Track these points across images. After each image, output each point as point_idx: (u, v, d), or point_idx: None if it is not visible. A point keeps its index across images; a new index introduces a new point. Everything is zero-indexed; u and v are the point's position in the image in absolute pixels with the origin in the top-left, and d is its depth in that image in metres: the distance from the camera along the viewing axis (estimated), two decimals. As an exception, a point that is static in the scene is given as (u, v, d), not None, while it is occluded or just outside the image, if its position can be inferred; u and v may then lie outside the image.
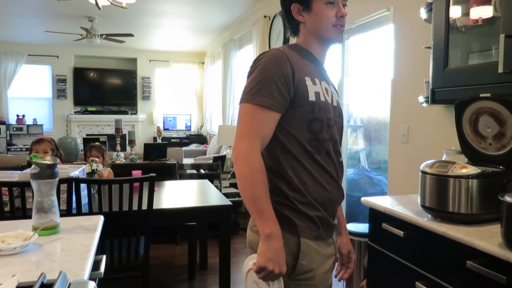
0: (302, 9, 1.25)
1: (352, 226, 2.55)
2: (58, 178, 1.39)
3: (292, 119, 1.19)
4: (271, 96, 1.14)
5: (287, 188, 1.20)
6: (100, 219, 1.56)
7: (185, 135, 8.78)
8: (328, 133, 1.23)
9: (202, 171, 4.31)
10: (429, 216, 1.52)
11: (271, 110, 1.15)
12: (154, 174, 2.32)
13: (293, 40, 1.36)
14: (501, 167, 1.47)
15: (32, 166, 1.34)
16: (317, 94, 1.21)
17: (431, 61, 1.87)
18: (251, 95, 1.15)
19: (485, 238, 1.25)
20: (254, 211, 1.13)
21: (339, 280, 1.46)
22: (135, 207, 2.28)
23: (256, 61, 1.22)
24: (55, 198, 1.38)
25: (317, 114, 1.20)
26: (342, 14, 1.24)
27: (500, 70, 1.45)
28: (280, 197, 1.20)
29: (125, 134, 5.66)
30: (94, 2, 4.38)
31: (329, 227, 1.28)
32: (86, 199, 2.29)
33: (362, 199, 1.86)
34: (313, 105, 1.19)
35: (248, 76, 1.22)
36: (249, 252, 1.28)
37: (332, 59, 3.56)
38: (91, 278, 1.11)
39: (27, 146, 7.38)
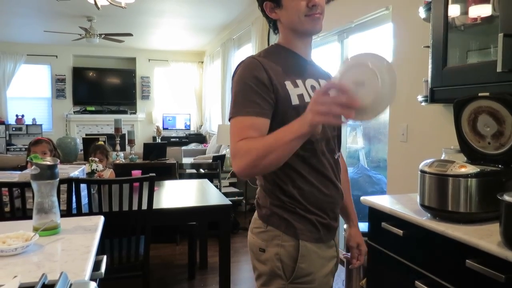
0: (274, 6, 1.22)
1: (351, 225, 2.55)
2: (58, 179, 1.39)
3: (279, 126, 1.13)
4: (255, 105, 1.11)
5: (283, 195, 1.19)
6: (100, 219, 1.56)
7: (184, 135, 8.78)
8: (319, 133, 1.18)
9: (201, 170, 4.31)
10: (428, 215, 1.52)
11: (259, 117, 1.11)
12: (153, 174, 2.32)
13: None
14: (500, 166, 1.48)
15: (33, 167, 1.34)
16: (300, 96, 1.16)
17: (430, 60, 1.87)
18: (236, 108, 1.13)
19: (484, 237, 1.25)
20: (287, 144, 1.01)
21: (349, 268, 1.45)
22: (135, 207, 2.29)
23: (234, 74, 1.20)
24: (55, 198, 1.38)
25: None
26: (314, 3, 1.17)
27: (499, 69, 1.45)
28: (278, 200, 1.20)
29: (125, 134, 5.66)
30: (93, 2, 4.38)
31: (330, 229, 1.26)
32: (86, 199, 2.30)
33: (362, 198, 1.87)
34: (297, 109, 1.14)
35: (231, 90, 1.20)
36: (250, 255, 1.26)
37: (331, 58, 3.56)
38: (92, 278, 1.11)
39: (26, 146, 7.34)
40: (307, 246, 1.18)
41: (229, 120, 1.15)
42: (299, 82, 1.19)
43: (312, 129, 0.97)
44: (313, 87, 1.22)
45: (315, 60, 1.33)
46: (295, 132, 0.99)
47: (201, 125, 8.90)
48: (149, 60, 8.82)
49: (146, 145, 4.64)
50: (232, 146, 1.09)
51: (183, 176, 4.22)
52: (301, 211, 1.19)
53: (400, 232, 1.58)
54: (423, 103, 2.17)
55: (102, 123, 8.48)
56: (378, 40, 3.24)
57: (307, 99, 1.17)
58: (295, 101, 1.16)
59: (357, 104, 0.90)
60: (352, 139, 4.31)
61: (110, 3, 4.44)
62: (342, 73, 0.97)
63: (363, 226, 2.45)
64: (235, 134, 1.10)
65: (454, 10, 1.82)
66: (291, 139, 1.00)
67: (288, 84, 1.17)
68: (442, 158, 1.66)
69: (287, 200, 1.19)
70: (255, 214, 1.28)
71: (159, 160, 4.45)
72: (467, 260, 1.25)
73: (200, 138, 8.54)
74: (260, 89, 1.12)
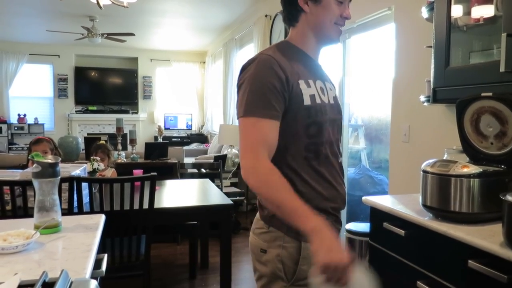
0: None
1: (353, 226, 2.55)
2: (59, 177, 1.39)
3: (288, 126, 1.14)
4: (269, 106, 1.09)
5: None
6: (102, 218, 1.56)
7: (186, 134, 8.79)
8: (325, 135, 1.18)
9: (203, 170, 4.31)
10: (430, 215, 1.52)
11: (271, 120, 1.09)
12: (155, 173, 2.32)
13: None
14: (502, 166, 1.47)
15: (34, 165, 1.34)
16: (312, 97, 1.15)
17: (432, 60, 1.86)
18: (248, 107, 1.09)
19: (487, 237, 1.25)
20: (286, 215, 1.05)
21: None
22: (136, 206, 2.29)
23: (245, 70, 1.15)
24: (56, 197, 1.38)
25: (314, 118, 1.15)
26: (347, 16, 1.20)
27: (502, 69, 1.45)
28: None
29: (126, 133, 5.67)
30: (95, 1, 4.38)
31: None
32: (88, 198, 2.30)
33: (363, 198, 1.86)
34: (309, 109, 1.14)
35: (239, 86, 1.15)
36: (251, 256, 1.25)
37: (333, 58, 3.55)
38: (93, 276, 1.11)
39: (28, 145, 7.37)
40: (309, 248, 1.14)
41: (241, 117, 1.11)
42: (311, 82, 1.18)
43: (314, 254, 1.00)
44: (321, 89, 1.21)
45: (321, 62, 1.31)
46: (304, 228, 1.02)
47: (203, 125, 8.91)
48: (151, 60, 8.84)
49: (147, 145, 4.64)
50: (250, 156, 1.07)
51: (184, 175, 4.22)
52: None
53: (402, 232, 1.57)
54: (425, 103, 2.17)
55: (104, 123, 8.50)
56: (380, 41, 3.24)
57: (318, 100, 1.17)
58: (307, 101, 1.14)
59: None
60: (354, 140, 4.31)
61: (113, 2, 4.44)
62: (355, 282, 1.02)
63: (365, 226, 2.45)
64: (252, 136, 1.08)
65: (457, 10, 1.82)
66: (296, 225, 1.03)
67: (302, 83, 1.15)
68: (444, 158, 1.66)
69: None
70: (257, 215, 1.26)
71: (161, 160, 4.45)
72: (469, 261, 1.25)
73: (201, 138, 8.54)
74: (277, 89, 1.10)
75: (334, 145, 1.24)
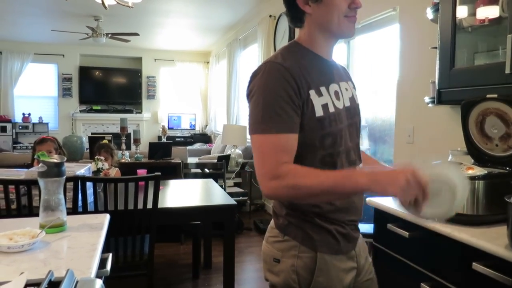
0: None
1: (356, 226, 2.55)
2: (65, 177, 1.40)
3: (302, 138, 1.06)
4: (286, 119, 1.02)
5: (299, 206, 1.12)
6: (106, 217, 1.57)
7: (189, 134, 8.81)
8: (341, 145, 1.11)
9: (206, 170, 4.31)
10: (435, 217, 1.51)
11: (291, 133, 1.03)
12: (159, 173, 2.33)
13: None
14: (507, 168, 1.47)
15: (40, 164, 1.35)
16: (324, 106, 1.07)
17: (437, 61, 1.86)
18: (262, 123, 1.02)
19: (491, 240, 1.24)
20: (340, 192, 0.97)
21: None
22: (140, 205, 2.29)
23: (254, 79, 1.08)
24: (62, 196, 1.39)
25: (328, 129, 1.07)
26: (357, 6, 1.09)
27: (507, 70, 1.44)
28: (295, 210, 1.13)
29: (130, 133, 5.68)
30: (100, 1, 4.40)
31: (350, 240, 1.17)
32: (92, 197, 2.30)
33: (367, 199, 1.86)
34: (322, 121, 1.06)
35: (249, 97, 1.09)
36: (262, 265, 1.21)
37: (337, 58, 3.55)
38: (98, 276, 1.12)
39: (32, 145, 7.39)
40: (326, 259, 1.11)
41: (257, 134, 1.04)
42: (322, 89, 1.09)
43: (387, 195, 0.92)
44: (336, 94, 1.13)
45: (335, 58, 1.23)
46: (360, 186, 0.94)
47: (206, 125, 8.92)
48: (155, 60, 8.86)
49: (151, 145, 4.65)
50: (270, 167, 1.00)
51: (188, 175, 4.22)
52: (319, 221, 1.12)
53: (406, 233, 1.57)
54: (430, 105, 2.16)
55: (108, 122, 8.53)
56: (385, 41, 3.23)
57: (331, 108, 1.09)
58: (319, 112, 1.07)
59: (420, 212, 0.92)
60: (358, 140, 4.28)
61: (118, 2, 4.46)
62: (431, 176, 0.93)
63: (369, 228, 2.45)
64: (270, 155, 1.01)
65: (462, 11, 1.82)
66: (352, 191, 0.95)
67: (312, 94, 1.07)
68: (449, 160, 1.65)
69: (303, 211, 1.12)
70: (271, 223, 1.21)
71: (164, 160, 4.46)
72: (473, 263, 1.24)
73: (205, 138, 8.55)
74: (291, 98, 1.03)
75: (352, 152, 1.16)
